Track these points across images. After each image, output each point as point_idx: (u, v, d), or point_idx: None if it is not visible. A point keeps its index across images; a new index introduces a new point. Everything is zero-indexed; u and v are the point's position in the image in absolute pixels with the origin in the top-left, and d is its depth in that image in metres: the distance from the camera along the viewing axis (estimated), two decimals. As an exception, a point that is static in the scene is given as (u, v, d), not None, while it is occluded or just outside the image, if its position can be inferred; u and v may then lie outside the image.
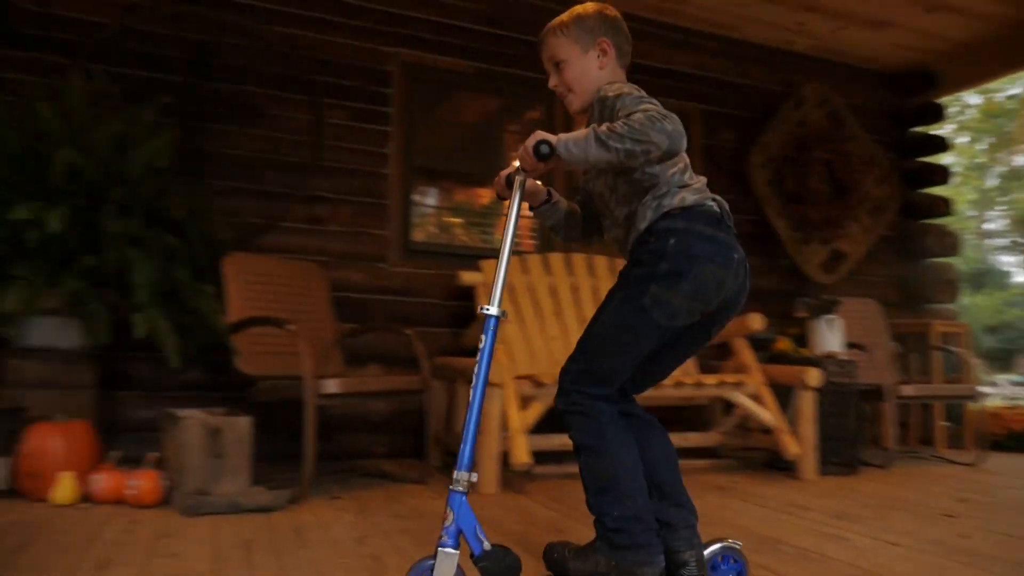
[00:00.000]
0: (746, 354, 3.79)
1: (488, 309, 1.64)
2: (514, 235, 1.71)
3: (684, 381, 3.49)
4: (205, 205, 3.34)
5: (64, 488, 2.57)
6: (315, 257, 3.81)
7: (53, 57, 3.51)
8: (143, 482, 2.59)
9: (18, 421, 2.75)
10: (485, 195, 4.64)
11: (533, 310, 3.86)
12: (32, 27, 3.51)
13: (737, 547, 1.72)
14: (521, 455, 2.99)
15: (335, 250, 3.92)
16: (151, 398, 3.46)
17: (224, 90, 3.80)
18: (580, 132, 1.58)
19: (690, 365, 4.08)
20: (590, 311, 3.93)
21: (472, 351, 3.48)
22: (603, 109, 1.64)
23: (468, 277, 3.71)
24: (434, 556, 1.52)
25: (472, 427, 1.62)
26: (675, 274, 1.59)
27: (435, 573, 1.50)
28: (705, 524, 2.53)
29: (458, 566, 1.52)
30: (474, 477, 1.59)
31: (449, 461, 3.51)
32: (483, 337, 1.65)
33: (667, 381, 3.38)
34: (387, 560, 2.00)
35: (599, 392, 1.64)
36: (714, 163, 4.92)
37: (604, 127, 1.53)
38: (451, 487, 1.57)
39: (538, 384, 3.21)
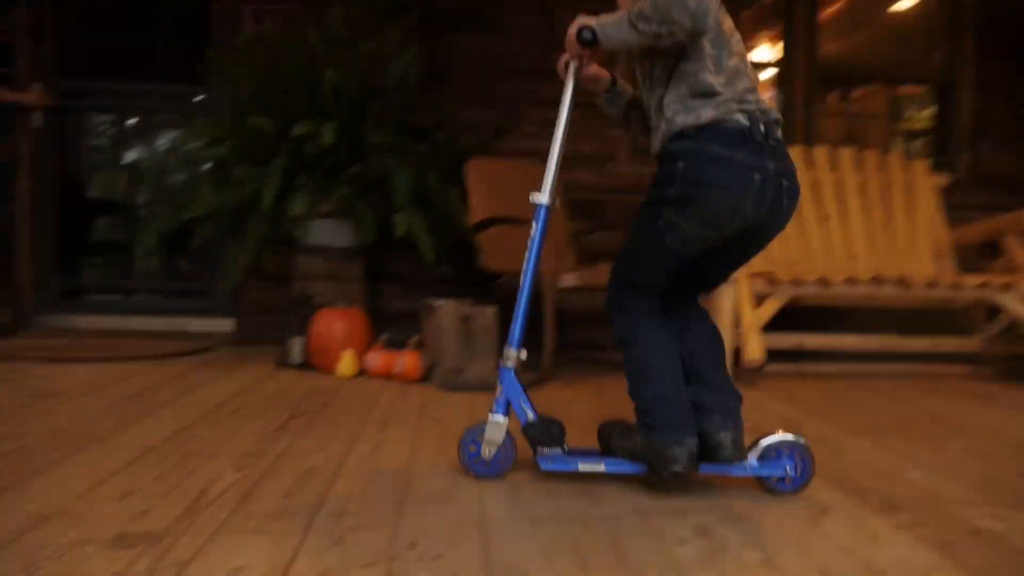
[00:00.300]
0: (1020, 253, 3.38)
1: (539, 198, 1.73)
2: (568, 122, 1.76)
3: (939, 281, 3.22)
4: (448, 114, 3.59)
5: (346, 363, 3.03)
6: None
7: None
8: (408, 361, 2.97)
9: (308, 307, 3.25)
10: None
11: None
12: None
13: (800, 442, 1.66)
14: (754, 352, 2.98)
15: (566, 151, 4.03)
16: (408, 290, 3.89)
17: (460, 3, 3.97)
18: (616, 15, 1.57)
19: (948, 264, 3.72)
20: (849, 208, 3.71)
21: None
22: None
23: (699, 174, 3.65)
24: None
25: (522, 309, 1.74)
26: (684, 200, 1.54)
27: (485, 436, 1.71)
28: (956, 433, 2.40)
29: (508, 432, 1.72)
30: (523, 354, 1.75)
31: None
32: (533, 224, 1.74)
33: (919, 281, 3.18)
34: (623, 438, 2.15)
35: (634, 294, 1.69)
36: (986, 37, 4.27)
37: (636, 8, 1.50)
38: (501, 363, 1.73)
39: (774, 282, 3.14)
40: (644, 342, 1.67)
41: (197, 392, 2.64)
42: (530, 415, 1.71)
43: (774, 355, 3.22)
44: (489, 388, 2.80)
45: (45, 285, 4.01)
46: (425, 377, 3.00)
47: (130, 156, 4.84)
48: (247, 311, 3.97)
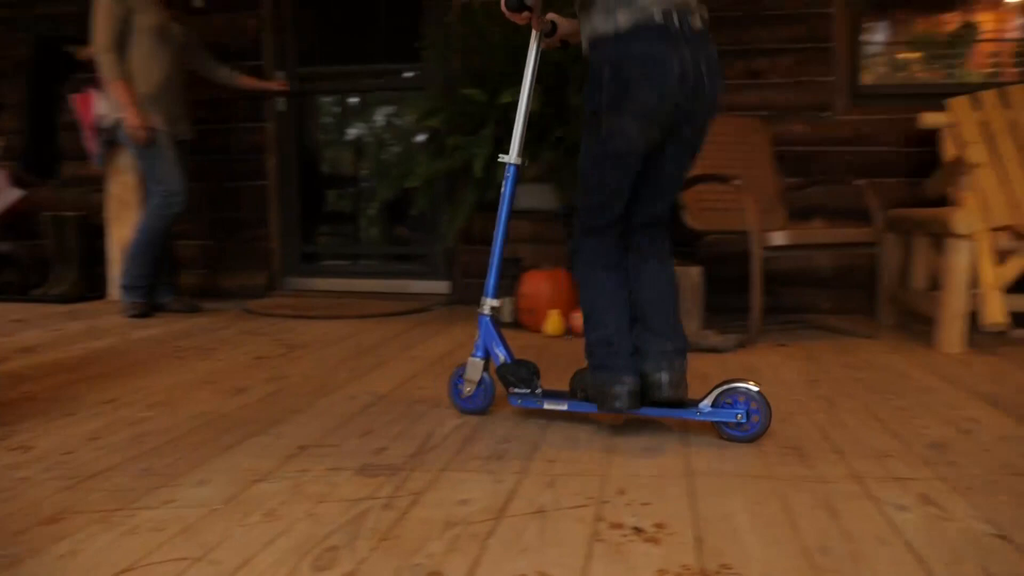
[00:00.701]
0: None
1: (507, 158, 1.93)
2: (531, 89, 1.96)
3: None
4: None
5: (553, 322, 3.15)
6: (756, 112, 3.78)
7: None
8: (612, 321, 3.03)
9: (516, 269, 3.40)
10: (951, 20, 3.99)
11: (1016, 151, 3.29)
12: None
13: (752, 390, 1.69)
14: (995, 314, 2.69)
15: (776, 103, 3.83)
16: (611, 252, 3.93)
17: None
18: None
19: None
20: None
21: (935, 202, 3.17)
22: None
23: (930, 119, 3.32)
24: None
25: (495, 260, 1.95)
26: (615, 103, 1.64)
27: (465, 374, 1.91)
28: None
29: (486, 372, 1.91)
30: (496, 303, 1.93)
31: (903, 320, 3.33)
32: (504, 184, 1.93)
33: None
34: (839, 402, 2.06)
35: (593, 227, 1.78)
36: None
37: None
38: (478, 310, 1.93)
39: (1019, 236, 2.80)
40: (594, 288, 1.81)
41: (418, 348, 2.88)
42: (503, 357, 1.89)
43: (1022, 319, 2.88)
44: (694, 349, 2.78)
45: (290, 251, 4.55)
46: (628, 336, 3.03)
47: (354, 132, 5.30)
48: (461, 273, 4.24)
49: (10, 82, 4.74)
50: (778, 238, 2.85)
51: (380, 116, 5.21)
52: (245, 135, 4.43)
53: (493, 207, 3.65)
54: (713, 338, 2.82)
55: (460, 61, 3.63)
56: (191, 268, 4.45)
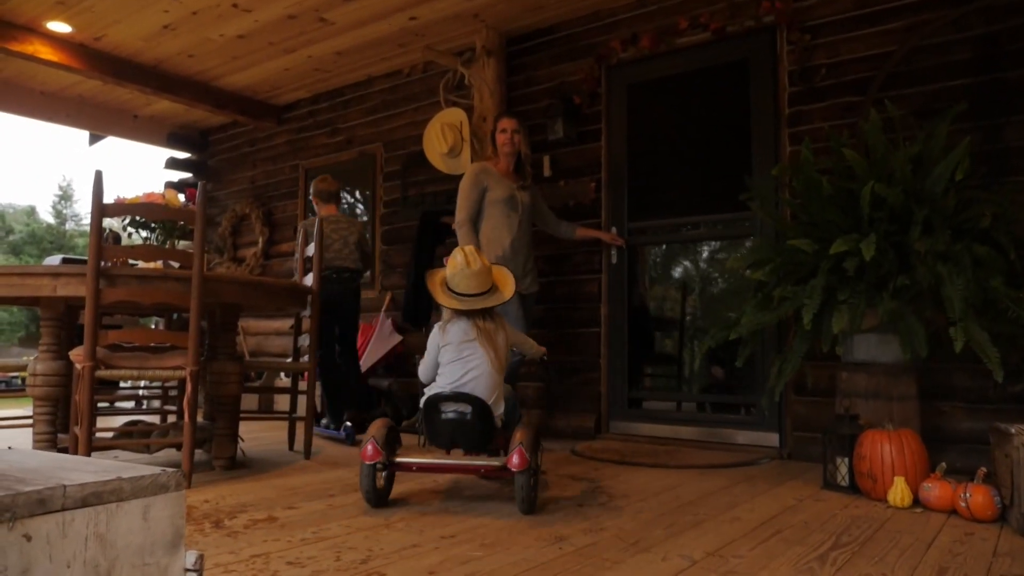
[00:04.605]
0: None
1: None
2: None
3: None
4: (1012, 207, 3.12)
5: (898, 491, 2.78)
6: None
7: (847, 98, 3.89)
8: (975, 496, 2.58)
9: (852, 426, 3.11)
10: None
11: None
12: (827, 78, 3.98)
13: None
14: None
15: None
16: (975, 410, 3.40)
17: (1019, 77, 3.49)
18: None
19: None
20: None
21: None
22: None
23: None
24: None
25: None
26: None
27: None
28: None
29: None
30: None
31: None
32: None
33: None
34: None
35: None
36: None
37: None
38: None
39: None
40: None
41: (740, 507, 2.75)
42: None
43: None
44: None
45: (617, 396, 4.71)
46: (999, 517, 2.56)
47: (681, 279, 5.42)
48: (792, 426, 3.99)
49: (401, 248, 5.82)
50: None
51: (710, 264, 5.27)
52: (584, 286, 4.82)
53: (826, 357, 3.45)
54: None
55: (787, 211, 3.59)
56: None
